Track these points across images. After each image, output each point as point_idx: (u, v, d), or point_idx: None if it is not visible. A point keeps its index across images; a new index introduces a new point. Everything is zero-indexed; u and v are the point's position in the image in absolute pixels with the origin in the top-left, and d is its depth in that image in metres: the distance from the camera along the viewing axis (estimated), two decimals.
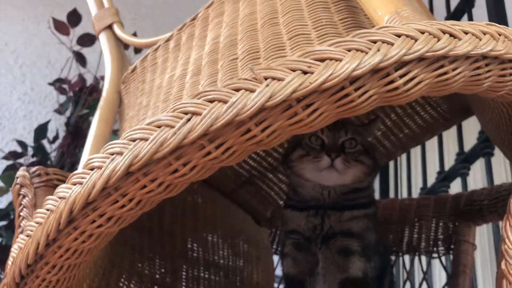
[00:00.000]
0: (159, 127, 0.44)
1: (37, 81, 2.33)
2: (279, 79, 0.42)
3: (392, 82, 0.44)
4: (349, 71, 0.42)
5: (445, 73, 0.45)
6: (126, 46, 1.17)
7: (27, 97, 2.29)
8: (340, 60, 0.43)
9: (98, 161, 0.46)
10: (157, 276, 0.94)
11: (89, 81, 2.17)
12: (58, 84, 2.13)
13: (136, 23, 2.43)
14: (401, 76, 0.44)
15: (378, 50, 0.43)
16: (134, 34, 1.94)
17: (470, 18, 1.63)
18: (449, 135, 1.86)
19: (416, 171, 2.05)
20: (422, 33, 0.45)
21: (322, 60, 0.43)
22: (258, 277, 1.16)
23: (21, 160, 1.92)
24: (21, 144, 1.95)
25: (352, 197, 0.85)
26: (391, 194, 2.22)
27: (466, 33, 0.46)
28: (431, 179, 1.84)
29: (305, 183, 0.85)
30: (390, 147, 1.17)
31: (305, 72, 0.43)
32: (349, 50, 0.43)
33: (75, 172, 0.48)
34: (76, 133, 1.96)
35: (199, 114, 0.43)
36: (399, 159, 2.26)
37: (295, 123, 0.43)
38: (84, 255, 0.51)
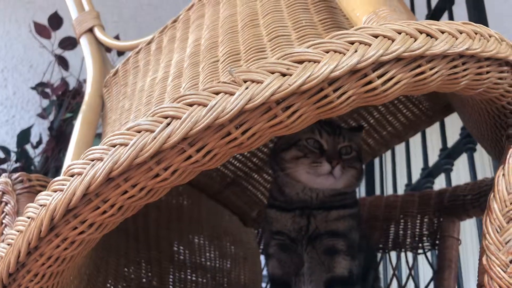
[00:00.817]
0: (139, 132, 0.44)
1: (19, 86, 2.30)
2: (258, 82, 0.42)
3: (370, 82, 0.44)
4: (327, 72, 0.42)
5: (422, 73, 0.46)
6: (108, 48, 1.17)
7: (9, 101, 2.26)
8: (318, 61, 0.43)
9: (78, 167, 0.45)
10: (144, 280, 0.93)
11: (72, 84, 2.15)
12: (41, 88, 2.11)
13: (119, 26, 2.41)
14: (379, 77, 0.44)
15: (356, 51, 0.43)
16: (117, 37, 1.93)
17: (451, 16, 1.65)
18: (433, 131, 1.88)
19: (401, 167, 2.07)
20: (399, 33, 0.45)
21: (300, 62, 0.43)
22: (245, 278, 1.17)
23: (4, 166, 1.90)
24: (4, 149, 1.93)
25: (339, 198, 0.86)
26: (377, 191, 2.24)
27: (442, 32, 0.47)
28: (416, 176, 1.86)
29: (296, 185, 0.85)
30: (374, 144, 1.18)
31: (283, 74, 0.43)
32: (327, 52, 0.43)
33: (56, 178, 0.47)
34: (60, 137, 1.94)
35: (178, 118, 0.43)
36: (384, 157, 2.28)
37: (275, 125, 0.44)
38: (67, 262, 0.51)
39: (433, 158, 1.77)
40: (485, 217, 0.54)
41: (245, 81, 0.42)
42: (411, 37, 0.45)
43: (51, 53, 2.12)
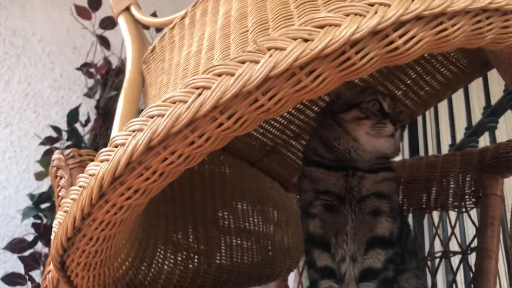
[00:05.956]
0: (174, 103, 0.47)
1: (65, 67, 2.40)
2: (281, 49, 0.44)
3: (392, 42, 0.45)
4: (348, 35, 0.44)
5: (444, 30, 0.46)
6: (146, 26, 1.20)
7: (57, 83, 2.37)
8: (339, 25, 0.44)
9: (121, 139, 0.49)
10: (192, 244, 0.99)
11: (115, 63, 2.23)
12: (85, 68, 2.20)
13: (156, 3, 2.45)
14: (400, 36, 0.45)
15: (376, 12, 0.44)
16: (154, 14, 1.97)
17: None
18: (476, 89, 1.83)
19: (444, 127, 2.03)
20: None
21: (321, 26, 0.45)
22: (288, 241, 1.21)
23: (57, 145, 2.01)
24: (56, 129, 2.04)
25: (383, 161, 0.90)
26: (421, 152, 2.21)
27: None
28: (460, 135, 1.83)
29: (350, 142, 0.87)
30: (412, 105, 1.17)
31: (306, 40, 0.44)
32: (347, 15, 0.45)
33: (102, 150, 0.52)
34: (106, 115, 2.03)
35: (208, 88, 0.45)
36: (427, 116, 2.24)
37: (300, 90, 0.46)
38: (117, 226, 0.56)
39: (477, 117, 1.73)
40: None
41: (269, 49, 0.45)
42: None
43: (93, 33, 2.19)
